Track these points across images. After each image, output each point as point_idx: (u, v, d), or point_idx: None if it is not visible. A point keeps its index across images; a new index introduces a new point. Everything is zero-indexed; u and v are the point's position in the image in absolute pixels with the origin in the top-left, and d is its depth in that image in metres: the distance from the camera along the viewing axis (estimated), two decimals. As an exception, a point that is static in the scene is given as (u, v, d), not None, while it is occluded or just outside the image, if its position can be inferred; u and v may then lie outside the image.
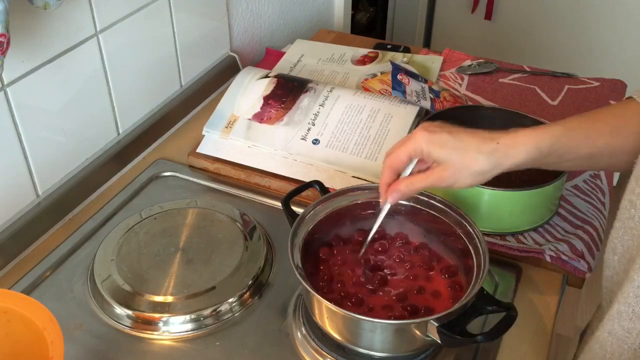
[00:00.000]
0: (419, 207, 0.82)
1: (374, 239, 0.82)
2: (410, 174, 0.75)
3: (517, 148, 0.69)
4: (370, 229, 0.80)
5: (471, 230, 0.78)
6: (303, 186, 0.88)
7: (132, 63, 1.05)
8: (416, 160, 0.74)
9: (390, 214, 0.84)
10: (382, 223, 0.82)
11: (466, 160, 0.70)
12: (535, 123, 0.99)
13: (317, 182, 0.88)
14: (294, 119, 1.06)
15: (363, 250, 0.81)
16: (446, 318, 0.68)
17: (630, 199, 0.65)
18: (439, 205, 0.81)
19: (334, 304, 0.69)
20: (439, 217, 0.81)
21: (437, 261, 0.82)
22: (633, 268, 0.62)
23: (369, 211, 0.84)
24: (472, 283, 0.72)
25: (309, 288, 0.71)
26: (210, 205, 0.96)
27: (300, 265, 0.74)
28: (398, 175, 0.75)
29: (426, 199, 0.82)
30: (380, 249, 0.83)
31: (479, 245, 0.75)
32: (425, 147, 0.71)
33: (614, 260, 0.70)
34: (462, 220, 0.79)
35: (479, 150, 0.69)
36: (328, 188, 0.87)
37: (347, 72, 1.29)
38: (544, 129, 0.70)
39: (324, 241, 0.84)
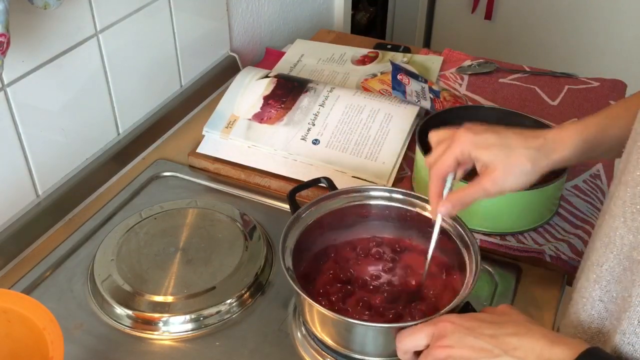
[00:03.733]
0: (415, 210, 0.82)
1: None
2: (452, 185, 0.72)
3: (564, 141, 0.67)
4: (429, 247, 0.75)
5: (468, 242, 0.76)
6: (311, 181, 0.88)
7: (132, 63, 1.05)
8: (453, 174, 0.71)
9: (384, 218, 0.84)
10: (376, 227, 0.82)
11: (514, 158, 0.67)
12: (535, 123, 1.00)
13: (326, 178, 0.88)
14: (294, 119, 1.06)
15: (424, 276, 0.77)
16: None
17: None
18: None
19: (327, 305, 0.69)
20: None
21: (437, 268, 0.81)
22: (616, 267, 0.62)
23: (365, 213, 0.84)
24: (457, 297, 0.71)
25: (299, 291, 0.70)
26: (210, 205, 0.96)
27: (291, 267, 0.74)
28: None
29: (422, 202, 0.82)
30: (376, 256, 0.83)
31: (474, 258, 0.74)
32: (472, 150, 0.68)
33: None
34: (459, 229, 0.77)
35: (526, 147, 0.67)
36: (328, 188, 0.87)
37: (347, 72, 1.29)
38: (589, 120, 0.68)
39: (319, 247, 0.83)
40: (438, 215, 0.72)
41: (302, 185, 0.88)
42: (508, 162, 0.67)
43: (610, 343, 0.61)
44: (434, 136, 0.74)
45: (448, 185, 0.72)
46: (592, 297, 0.64)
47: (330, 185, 0.87)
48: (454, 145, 0.69)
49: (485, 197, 0.69)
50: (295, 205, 0.82)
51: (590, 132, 0.68)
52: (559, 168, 0.69)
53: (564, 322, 0.72)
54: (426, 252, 0.75)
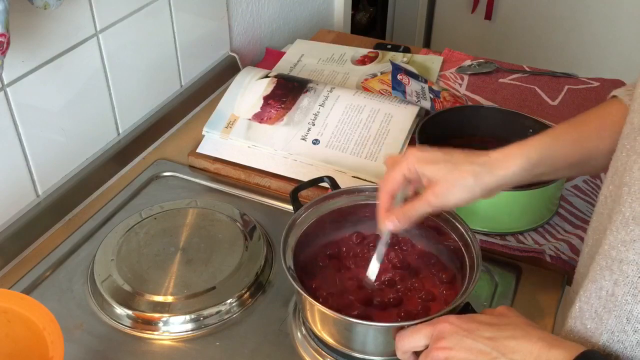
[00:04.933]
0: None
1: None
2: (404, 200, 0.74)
3: (507, 159, 0.69)
4: (374, 257, 0.76)
5: (468, 242, 0.76)
6: (313, 180, 0.88)
7: (132, 63, 1.05)
8: (404, 190, 0.74)
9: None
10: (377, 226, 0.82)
11: (458, 172, 0.69)
12: (536, 123, 1.00)
13: (329, 177, 0.88)
14: (294, 119, 1.06)
15: (370, 279, 0.77)
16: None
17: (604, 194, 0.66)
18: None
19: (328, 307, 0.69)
20: (437, 225, 0.80)
21: (436, 268, 0.81)
22: (593, 266, 0.62)
23: (365, 212, 0.84)
24: (457, 297, 0.71)
25: (300, 290, 0.70)
26: (210, 205, 0.96)
27: (292, 266, 0.74)
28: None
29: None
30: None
31: (474, 258, 0.74)
32: (418, 165, 0.71)
33: (585, 253, 0.70)
34: (461, 229, 0.78)
35: (470, 162, 0.70)
36: (330, 187, 0.87)
37: (347, 72, 1.29)
38: (533, 139, 0.71)
39: (320, 246, 0.83)
40: (386, 231, 0.74)
41: (304, 184, 0.88)
42: (451, 177, 0.69)
43: (589, 343, 0.62)
44: (388, 160, 0.77)
45: (397, 202, 0.74)
46: (573, 297, 0.64)
47: (333, 184, 0.87)
48: (402, 162, 0.72)
49: (430, 210, 0.72)
50: (297, 204, 0.82)
51: (534, 150, 0.69)
52: (508, 187, 0.70)
53: (558, 325, 0.73)
54: (373, 262, 0.76)
